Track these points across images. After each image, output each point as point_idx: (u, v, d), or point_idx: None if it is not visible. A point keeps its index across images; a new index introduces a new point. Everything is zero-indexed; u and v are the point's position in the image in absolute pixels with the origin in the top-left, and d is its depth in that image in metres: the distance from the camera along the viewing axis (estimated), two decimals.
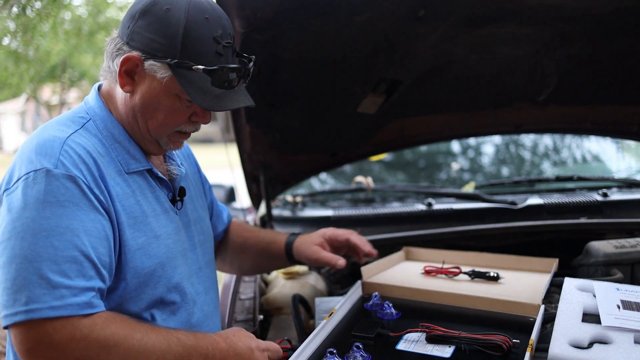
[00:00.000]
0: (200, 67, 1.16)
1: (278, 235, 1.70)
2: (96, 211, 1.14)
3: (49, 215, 1.08)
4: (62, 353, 1.04)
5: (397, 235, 2.14)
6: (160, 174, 1.32)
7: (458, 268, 1.71)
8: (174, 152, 1.42)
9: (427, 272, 1.73)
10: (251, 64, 1.26)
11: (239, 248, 1.70)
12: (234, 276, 1.93)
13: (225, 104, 1.21)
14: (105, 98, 1.30)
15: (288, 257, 1.64)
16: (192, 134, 1.33)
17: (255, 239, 1.69)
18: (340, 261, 1.56)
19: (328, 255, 1.57)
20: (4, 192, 1.15)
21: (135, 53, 1.20)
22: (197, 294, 1.36)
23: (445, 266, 1.74)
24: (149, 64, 1.19)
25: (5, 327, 1.06)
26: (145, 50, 1.19)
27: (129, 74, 1.22)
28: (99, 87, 1.33)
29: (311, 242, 1.61)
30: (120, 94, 1.27)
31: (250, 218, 2.70)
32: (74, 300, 1.05)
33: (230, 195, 2.92)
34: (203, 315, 1.38)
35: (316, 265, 1.63)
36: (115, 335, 1.07)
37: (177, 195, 1.37)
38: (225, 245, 1.71)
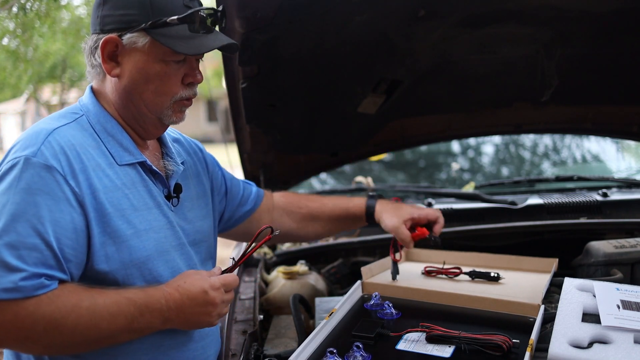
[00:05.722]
0: (175, 17, 1.21)
1: (351, 200, 1.79)
2: (67, 203, 1.14)
3: (18, 201, 1.10)
4: (8, 333, 1.06)
5: None
6: (154, 168, 1.33)
7: (458, 268, 1.71)
8: (173, 151, 1.43)
9: (428, 273, 1.73)
10: (222, 6, 1.31)
11: (306, 217, 1.78)
12: None
13: (209, 44, 1.26)
14: (97, 96, 1.33)
15: (368, 218, 1.74)
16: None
17: (325, 207, 1.78)
18: (411, 246, 1.64)
19: (405, 233, 1.63)
20: None
21: (110, 35, 1.23)
22: None
23: (446, 266, 1.74)
24: (127, 38, 1.23)
25: None
26: (120, 27, 1.23)
27: (112, 57, 1.25)
28: (92, 88, 1.36)
29: (396, 215, 1.66)
30: (110, 85, 1.30)
31: None
32: (27, 283, 1.06)
33: None
34: None
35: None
36: (62, 308, 1.08)
37: (172, 192, 1.37)
38: (282, 219, 1.76)
